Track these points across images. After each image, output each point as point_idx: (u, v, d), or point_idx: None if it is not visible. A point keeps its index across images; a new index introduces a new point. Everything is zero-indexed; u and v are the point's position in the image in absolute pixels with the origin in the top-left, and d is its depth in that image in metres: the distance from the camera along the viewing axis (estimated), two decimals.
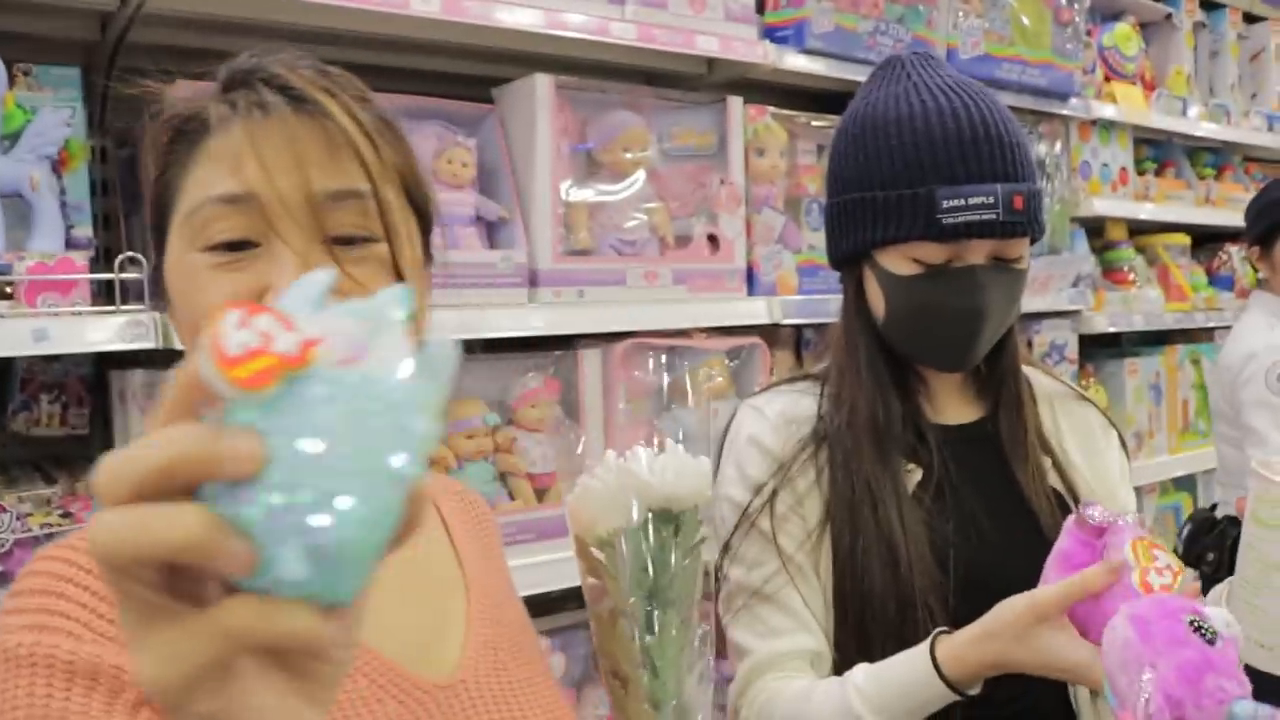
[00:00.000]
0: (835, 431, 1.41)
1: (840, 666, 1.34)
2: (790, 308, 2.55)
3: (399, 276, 0.83)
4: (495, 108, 2.29)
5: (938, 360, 1.44)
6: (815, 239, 2.67)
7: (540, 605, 2.37)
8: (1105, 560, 1.11)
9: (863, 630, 1.34)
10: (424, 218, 0.93)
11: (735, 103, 2.51)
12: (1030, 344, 3.38)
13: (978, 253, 1.35)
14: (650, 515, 1.03)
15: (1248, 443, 3.02)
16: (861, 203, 1.39)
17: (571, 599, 2.44)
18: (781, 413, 1.45)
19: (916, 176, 1.34)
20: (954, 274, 1.35)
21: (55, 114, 1.81)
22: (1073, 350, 3.50)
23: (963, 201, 1.31)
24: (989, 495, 1.41)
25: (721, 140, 2.52)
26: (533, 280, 2.16)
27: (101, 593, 0.78)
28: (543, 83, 2.20)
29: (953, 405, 1.50)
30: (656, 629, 1.03)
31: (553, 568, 2.18)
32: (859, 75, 2.71)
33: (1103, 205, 3.68)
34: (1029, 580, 1.18)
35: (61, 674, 0.73)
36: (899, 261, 1.37)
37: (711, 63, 2.63)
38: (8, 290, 1.70)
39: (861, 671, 1.28)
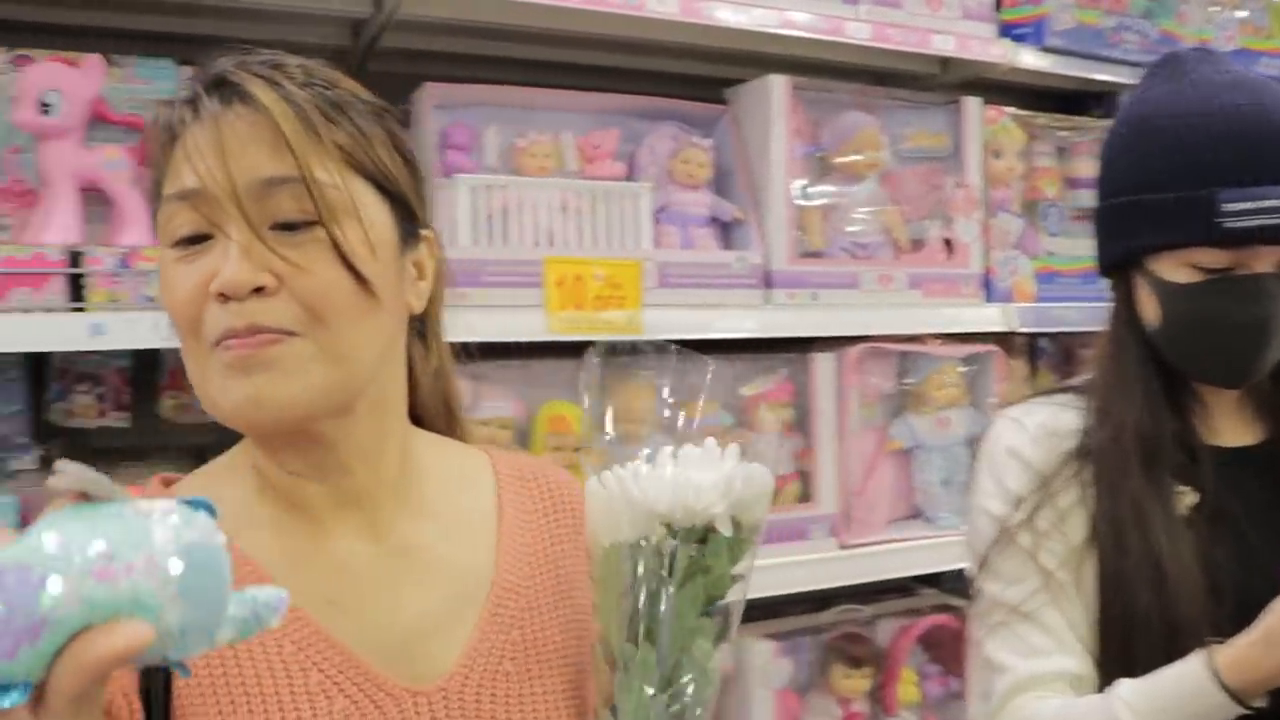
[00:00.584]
0: (1101, 448, 1.33)
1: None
2: (1027, 315, 2.45)
3: (341, 256, 0.84)
4: (729, 108, 2.29)
5: (1215, 375, 1.33)
6: (1054, 245, 2.57)
7: (766, 608, 2.36)
8: None
9: (1129, 655, 1.26)
10: (399, 201, 0.92)
11: (972, 103, 2.43)
12: None
13: (1264, 260, 1.25)
14: (654, 535, 0.89)
15: None
16: (1134, 206, 1.31)
17: (797, 603, 2.42)
18: (1042, 425, 1.37)
19: (1196, 178, 1.25)
20: (1236, 282, 1.26)
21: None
22: None
23: (1249, 205, 1.22)
24: (1268, 525, 1.30)
25: (956, 142, 2.45)
26: (767, 281, 2.15)
27: None
28: (778, 83, 2.19)
29: (1230, 425, 1.39)
30: (624, 667, 0.89)
31: (779, 571, 2.16)
32: (1101, 74, 2.61)
33: None
34: None
35: None
36: (1175, 268, 1.28)
37: (946, 62, 2.56)
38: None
39: (1127, 685, 1.20)
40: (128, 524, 0.56)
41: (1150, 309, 1.33)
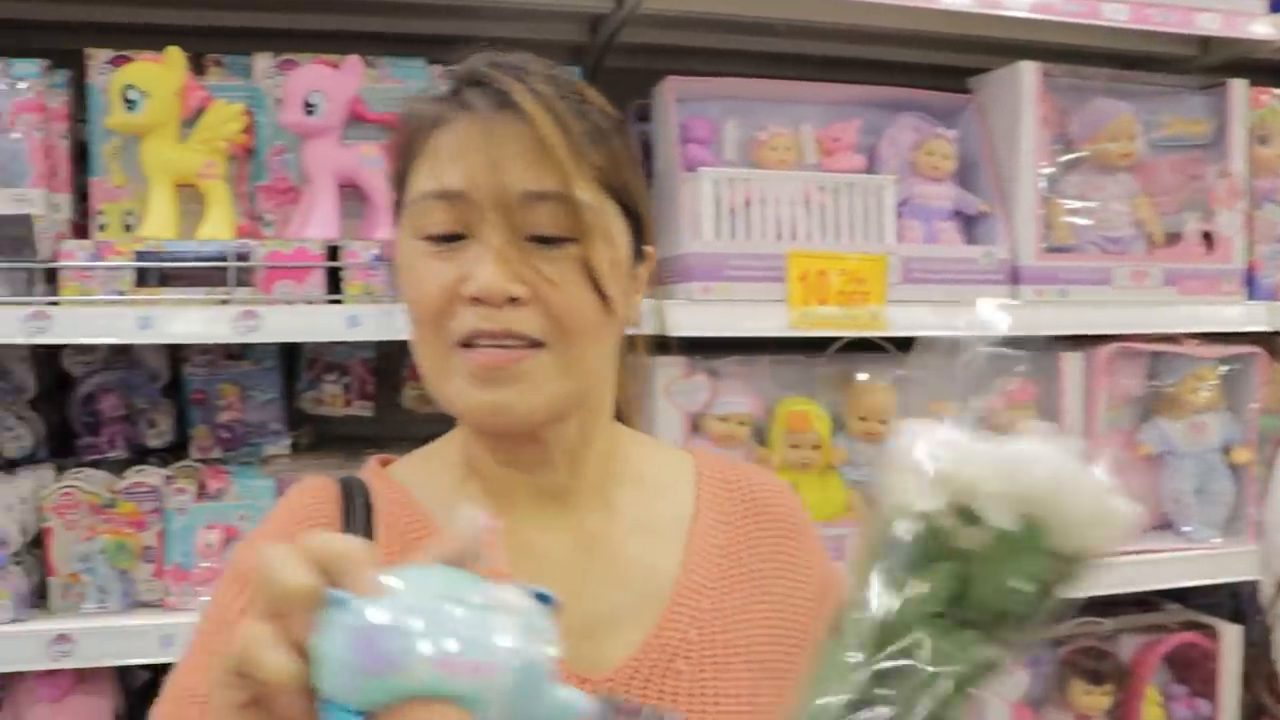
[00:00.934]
0: None
1: None
2: None
3: (591, 275, 0.86)
4: (974, 97, 2.20)
5: None
6: None
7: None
8: None
9: None
10: (634, 218, 0.94)
11: (1238, 85, 2.27)
12: None
13: None
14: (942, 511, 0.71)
15: None
16: None
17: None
18: None
19: None
20: None
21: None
22: None
23: None
24: None
25: (1218, 128, 2.29)
26: (1014, 277, 2.06)
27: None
28: (1029, 70, 2.09)
29: None
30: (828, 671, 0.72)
31: None
32: None
33: None
34: None
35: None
36: None
37: (1206, 43, 2.40)
38: None
39: None
40: (483, 618, 0.57)
41: None
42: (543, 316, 0.86)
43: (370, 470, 1.03)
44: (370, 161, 1.85)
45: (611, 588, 0.95)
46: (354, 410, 2.17)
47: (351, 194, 1.88)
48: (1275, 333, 2.28)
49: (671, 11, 2.04)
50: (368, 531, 0.95)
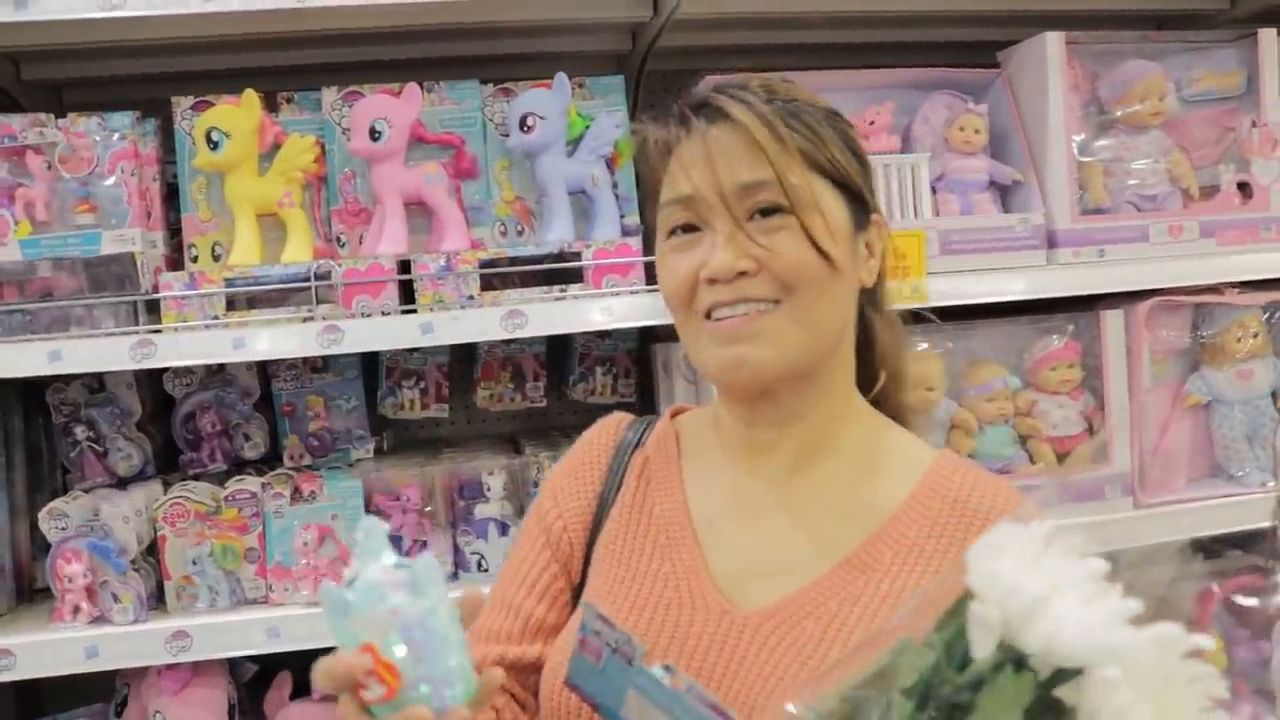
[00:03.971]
0: None
1: None
2: None
3: (810, 239, 1.03)
4: (1002, 71, 2.28)
5: None
6: None
7: None
8: None
9: None
10: (849, 190, 1.09)
11: (1268, 35, 2.30)
12: None
13: None
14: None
15: None
16: None
17: None
18: None
19: None
20: None
21: (609, 118, 2.04)
22: None
23: None
24: None
25: (1250, 79, 2.34)
26: (1051, 241, 2.14)
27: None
28: (1053, 40, 2.16)
29: None
30: None
31: (1077, 533, 2.15)
32: None
33: None
34: None
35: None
36: None
37: None
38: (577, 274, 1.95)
39: None
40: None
41: None
42: (771, 281, 1.04)
43: (664, 414, 1.27)
44: (433, 179, 1.99)
45: (784, 543, 1.09)
46: (431, 413, 2.32)
47: (418, 211, 2.02)
48: None
49: (707, 14, 2.14)
50: (624, 464, 1.20)
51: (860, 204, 1.11)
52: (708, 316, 1.06)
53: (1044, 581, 0.68)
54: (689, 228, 1.08)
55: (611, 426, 1.26)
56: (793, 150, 1.04)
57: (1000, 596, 0.69)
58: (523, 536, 1.23)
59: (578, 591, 1.17)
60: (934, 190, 2.14)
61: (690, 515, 1.13)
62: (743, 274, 1.03)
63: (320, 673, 0.88)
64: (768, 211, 1.04)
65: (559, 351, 2.39)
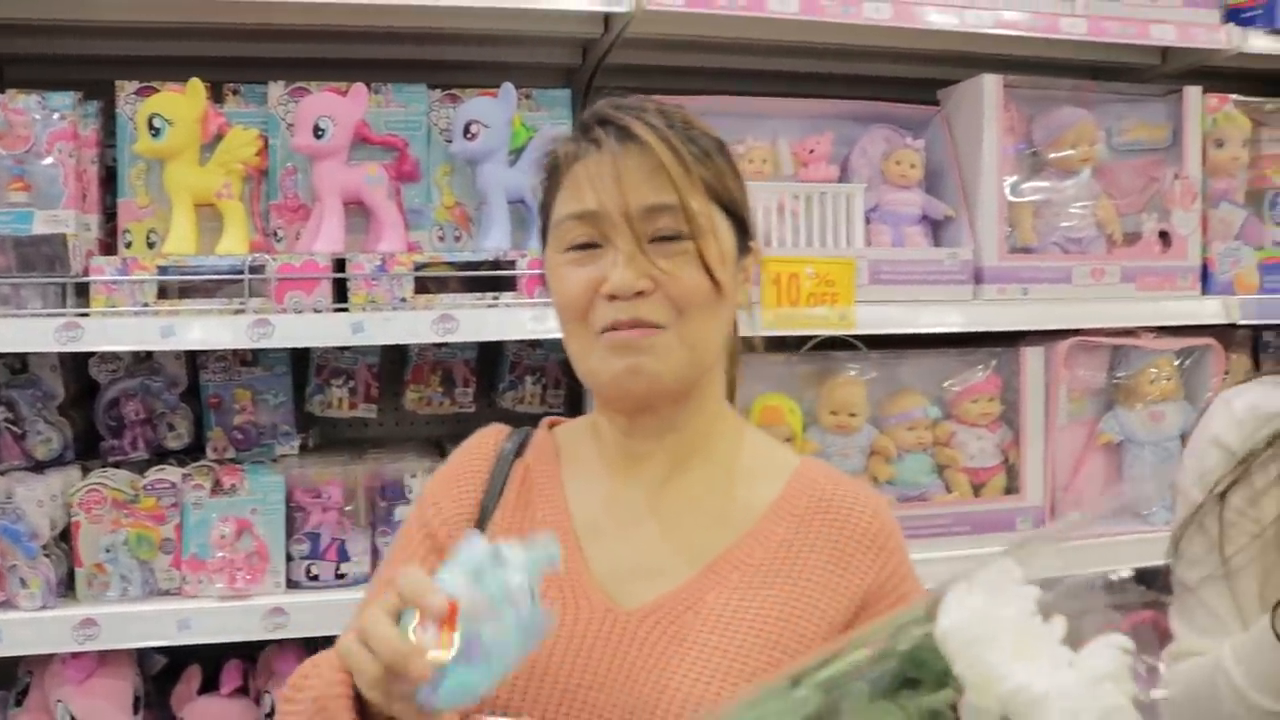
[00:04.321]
0: None
1: None
2: (1249, 307, 2.40)
3: (704, 264, 1.08)
4: (941, 109, 2.34)
5: None
6: None
7: None
8: None
9: None
10: (737, 220, 1.15)
11: (1193, 92, 2.40)
12: None
13: None
14: None
15: None
16: None
17: None
18: (1251, 405, 1.38)
19: None
20: None
21: (553, 131, 2.06)
22: None
23: None
24: None
25: (1176, 132, 2.42)
26: (978, 277, 2.20)
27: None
28: (990, 83, 2.22)
29: None
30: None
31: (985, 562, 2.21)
32: None
33: None
34: None
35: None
36: None
37: (1165, 52, 2.53)
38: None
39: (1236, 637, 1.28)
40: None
41: None
42: (665, 302, 1.08)
43: (541, 425, 1.30)
44: (373, 180, 1.99)
45: (660, 545, 1.15)
46: (359, 412, 2.31)
47: (357, 211, 2.03)
48: (1229, 325, 2.41)
49: (656, 35, 2.18)
50: (505, 474, 1.23)
51: (744, 230, 1.17)
52: (602, 330, 1.09)
53: (1036, 672, 0.72)
54: (588, 245, 1.10)
55: (490, 437, 1.28)
56: (695, 178, 1.08)
57: (997, 691, 0.73)
58: (403, 542, 1.24)
59: None
60: (868, 221, 2.20)
61: (572, 520, 1.17)
62: (640, 293, 1.07)
63: (366, 644, 0.89)
64: (668, 238, 1.08)
65: (490, 359, 2.40)
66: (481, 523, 1.20)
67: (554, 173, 1.15)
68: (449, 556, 0.92)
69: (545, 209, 1.17)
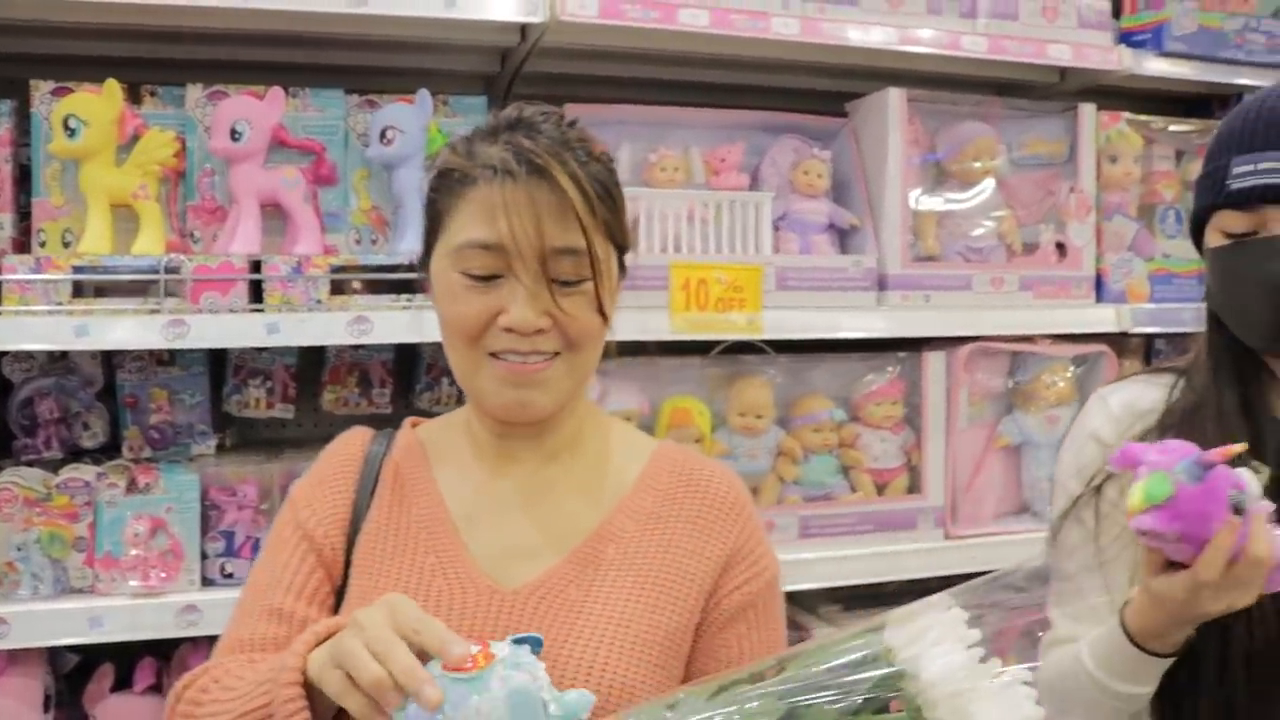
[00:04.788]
0: (1179, 421, 1.41)
1: None
2: (1141, 316, 2.51)
3: (600, 307, 1.13)
4: (849, 121, 2.42)
5: (1250, 337, 1.39)
6: (1170, 247, 2.62)
7: (866, 597, 2.48)
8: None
9: None
10: (621, 248, 1.19)
11: (1087, 110, 2.51)
12: None
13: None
14: None
15: None
16: (1198, 182, 1.42)
17: (907, 593, 2.52)
18: (1126, 403, 1.46)
19: (1220, 149, 1.36)
20: (1254, 244, 1.33)
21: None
22: None
23: (1252, 167, 1.31)
24: None
25: (1072, 148, 2.53)
26: (881, 284, 2.28)
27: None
28: (894, 97, 2.31)
29: None
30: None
31: (889, 559, 2.30)
32: (1225, 77, 2.64)
33: None
34: None
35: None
36: (1213, 235, 1.38)
37: (1065, 71, 2.64)
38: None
39: (1093, 633, 1.35)
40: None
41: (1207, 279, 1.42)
42: (559, 338, 1.12)
43: (404, 426, 1.32)
44: (290, 183, 2.02)
45: (537, 527, 1.20)
46: (276, 413, 2.33)
47: (274, 213, 2.05)
48: (1123, 333, 2.52)
49: (572, 45, 2.23)
50: (375, 473, 1.25)
51: (623, 251, 1.22)
52: (493, 354, 1.13)
53: None
54: (489, 276, 1.11)
55: (356, 439, 1.30)
56: (600, 220, 1.12)
57: None
58: (277, 545, 1.24)
59: (339, 595, 1.22)
60: (776, 229, 2.27)
61: (448, 511, 1.21)
62: (539, 330, 1.11)
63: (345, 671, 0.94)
64: (569, 282, 1.12)
65: (408, 360, 2.43)
66: (356, 521, 1.23)
67: (456, 183, 1.14)
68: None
69: (437, 210, 1.17)
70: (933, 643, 0.88)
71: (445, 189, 1.16)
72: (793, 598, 2.52)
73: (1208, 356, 1.43)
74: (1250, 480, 1.17)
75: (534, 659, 0.92)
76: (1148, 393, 1.46)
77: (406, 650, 0.91)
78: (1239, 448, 1.17)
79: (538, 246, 1.09)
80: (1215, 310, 1.42)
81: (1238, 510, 1.15)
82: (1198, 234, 1.43)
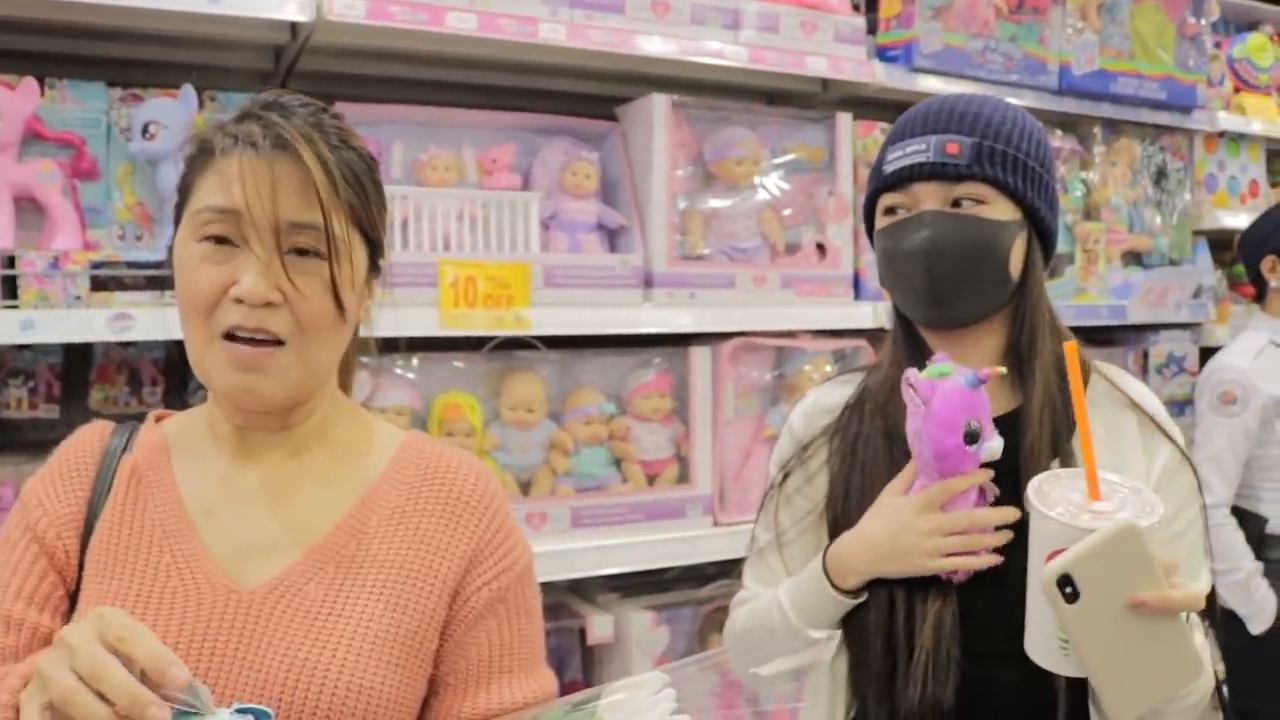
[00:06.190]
0: (853, 409, 1.55)
1: None
2: None
3: (334, 290, 1.12)
4: (618, 125, 2.51)
5: (914, 313, 1.50)
6: None
7: (647, 584, 2.58)
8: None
9: None
10: (373, 243, 1.20)
11: (844, 119, 2.67)
12: (1146, 355, 3.43)
13: (929, 198, 1.44)
14: None
15: None
16: (868, 178, 1.56)
17: (680, 581, 2.64)
18: (816, 400, 1.61)
19: (883, 146, 1.51)
20: (906, 220, 1.45)
21: None
22: (1192, 363, 3.52)
23: (901, 151, 1.45)
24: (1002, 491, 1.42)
25: (831, 154, 2.69)
26: (648, 282, 2.37)
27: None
28: (659, 102, 2.41)
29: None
30: None
31: (659, 547, 2.40)
32: (969, 90, 2.84)
33: (1229, 218, 3.69)
34: (1010, 572, 1.30)
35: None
36: (878, 220, 1.51)
37: (827, 82, 2.80)
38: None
39: (789, 580, 1.51)
40: None
41: None
42: (290, 318, 1.10)
43: (148, 420, 1.28)
44: (46, 177, 1.98)
45: (279, 523, 1.17)
46: (40, 413, 2.27)
47: (30, 208, 2.01)
48: (879, 329, 2.68)
49: (342, 44, 2.25)
50: (112, 469, 1.21)
51: (377, 253, 1.22)
52: (223, 334, 1.11)
53: None
54: (222, 239, 1.11)
55: (95, 434, 1.26)
56: (343, 201, 1.12)
57: None
58: (6, 547, 1.19)
59: (73, 599, 1.18)
60: (546, 228, 2.34)
61: (186, 508, 1.18)
62: (269, 304, 1.09)
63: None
64: (304, 252, 1.11)
65: (181, 359, 2.40)
66: (90, 521, 1.18)
67: (202, 155, 1.13)
68: None
69: (185, 190, 1.16)
70: None
71: (192, 164, 1.16)
72: (571, 587, 2.60)
73: (890, 344, 1.56)
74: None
75: None
76: (839, 390, 1.60)
77: (123, 671, 0.89)
78: (1000, 369, 1.38)
79: (271, 215, 1.08)
80: (888, 291, 1.54)
81: (972, 438, 1.31)
82: (870, 224, 1.56)
